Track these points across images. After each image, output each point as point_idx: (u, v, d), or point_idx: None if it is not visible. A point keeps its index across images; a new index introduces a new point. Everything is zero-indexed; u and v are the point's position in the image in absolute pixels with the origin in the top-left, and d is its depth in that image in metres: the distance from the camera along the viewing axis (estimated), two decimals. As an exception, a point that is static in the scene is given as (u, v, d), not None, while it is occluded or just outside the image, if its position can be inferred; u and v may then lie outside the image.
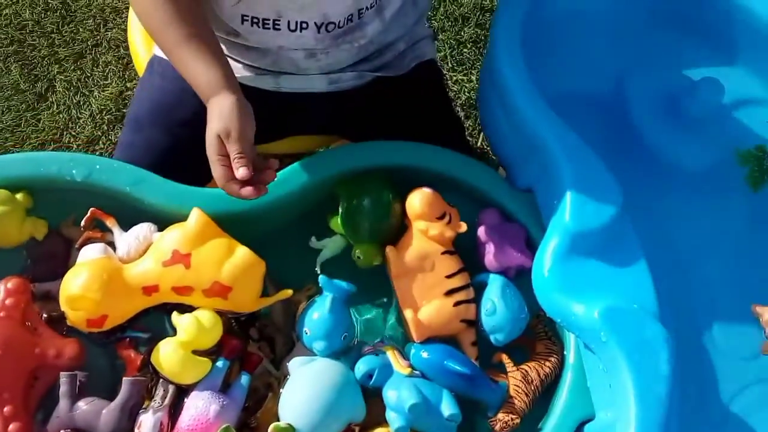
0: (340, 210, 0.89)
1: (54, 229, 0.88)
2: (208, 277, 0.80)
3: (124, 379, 0.78)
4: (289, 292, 0.85)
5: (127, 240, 0.85)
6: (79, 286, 0.78)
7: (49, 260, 0.87)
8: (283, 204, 0.89)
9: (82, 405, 0.78)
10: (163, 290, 0.81)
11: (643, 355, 0.75)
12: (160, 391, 0.80)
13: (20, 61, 1.59)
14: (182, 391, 0.81)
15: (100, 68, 1.57)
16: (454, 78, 1.63)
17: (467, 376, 0.82)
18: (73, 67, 1.56)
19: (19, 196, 0.86)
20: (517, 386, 0.84)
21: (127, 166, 0.88)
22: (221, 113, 0.77)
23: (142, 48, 1.14)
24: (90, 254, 0.82)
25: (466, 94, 1.61)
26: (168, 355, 0.78)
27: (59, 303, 0.81)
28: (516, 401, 0.84)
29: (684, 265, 0.89)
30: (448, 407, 0.80)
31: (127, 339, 0.85)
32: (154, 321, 0.86)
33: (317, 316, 0.83)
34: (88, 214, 0.86)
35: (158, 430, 0.77)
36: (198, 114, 0.81)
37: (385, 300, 0.92)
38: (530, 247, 0.90)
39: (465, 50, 1.66)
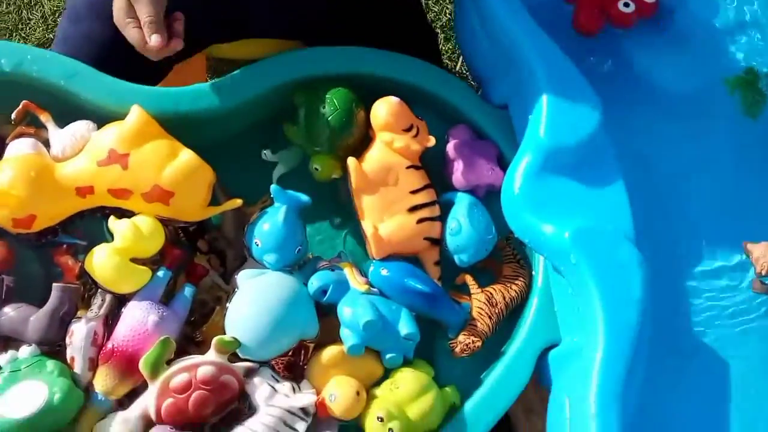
0: (299, 118, 0.82)
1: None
2: (147, 180, 0.73)
3: (54, 285, 0.72)
4: (239, 201, 0.78)
5: (62, 137, 0.77)
6: (2, 182, 0.71)
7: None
8: (236, 109, 0.82)
9: (8, 311, 0.72)
10: (98, 192, 0.74)
11: (614, 278, 0.70)
12: (97, 301, 0.74)
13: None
14: (121, 302, 0.75)
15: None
16: (435, -1, 1.54)
17: (428, 295, 0.77)
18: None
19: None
20: (481, 308, 0.80)
21: (61, 57, 0.79)
22: None
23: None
24: (19, 149, 0.75)
25: (447, 15, 1.53)
26: (102, 262, 0.72)
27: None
28: (478, 324, 0.79)
29: (664, 191, 0.84)
30: (405, 326, 0.75)
31: (64, 245, 0.78)
32: (92, 228, 0.79)
33: (268, 226, 0.76)
34: (20, 107, 0.78)
35: (91, 340, 0.71)
36: None
37: (341, 219, 0.87)
38: (501, 165, 0.85)
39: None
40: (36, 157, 0.74)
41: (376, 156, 0.81)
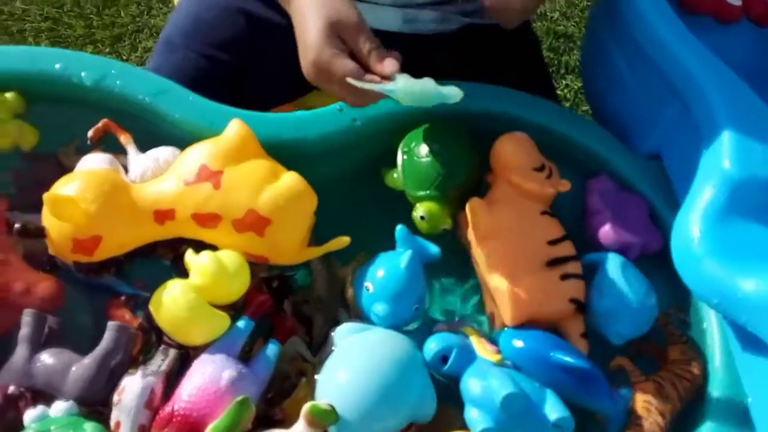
0: (403, 158, 0.69)
1: (51, 154, 0.69)
2: (241, 204, 0.60)
3: (109, 324, 0.57)
4: (346, 239, 0.64)
5: (143, 162, 0.65)
6: (70, 190, 0.59)
7: (37, 189, 0.67)
8: (341, 139, 0.70)
9: (46, 358, 0.56)
10: (180, 218, 0.60)
11: None
12: (157, 360, 0.59)
13: (52, 38, 1.45)
14: (186, 359, 0.59)
15: (138, 53, 1.42)
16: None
17: (582, 372, 0.59)
18: (108, 50, 1.42)
19: (8, 95, 0.67)
20: (648, 402, 0.60)
21: (149, 74, 0.70)
22: (322, 3, 0.59)
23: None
24: (92, 163, 0.63)
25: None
26: (173, 301, 0.57)
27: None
28: (647, 422, 0.60)
29: None
30: (554, 409, 0.56)
31: (122, 296, 0.64)
32: (158, 279, 0.65)
33: (386, 271, 0.61)
34: (99, 124, 0.67)
35: (146, 400, 0.54)
36: (240, 38, 0.64)
37: (454, 280, 0.71)
38: (655, 224, 0.69)
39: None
40: (112, 173, 0.62)
41: (502, 198, 0.66)
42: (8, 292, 0.59)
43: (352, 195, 0.73)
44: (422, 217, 0.67)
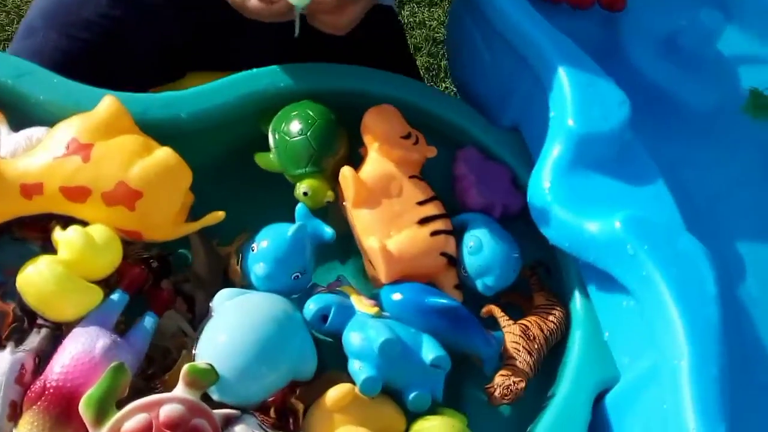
0: (273, 141, 0.71)
1: None
2: (111, 176, 0.59)
3: (-35, 301, 0.55)
4: (221, 214, 0.64)
5: (15, 140, 0.63)
6: None
7: None
8: (207, 120, 0.71)
9: None
10: (48, 192, 0.59)
11: (682, 269, 0.58)
12: (29, 341, 0.56)
13: None
14: (56, 343, 0.57)
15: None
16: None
17: (455, 312, 0.62)
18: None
19: None
20: (516, 343, 0.65)
21: (8, 57, 0.68)
22: None
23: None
24: None
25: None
26: (39, 275, 0.55)
27: None
28: (517, 361, 0.64)
29: (700, 213, 0.74)
30: (430, 350, 0.59)
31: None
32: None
33: (272, 236, 0.63)
34: None
35: (16, 375, 0.52)
36: (102, 15, 0.64)
37: (333, 251, 0.72)
38: (517, 189, 0.74)
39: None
40: (-29, 148, 0.60)
41: (372, 167, 0.69)
42: None
43: (230, 176, 0.73)
44: (305, 193, 0.68)
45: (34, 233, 0.63)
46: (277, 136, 0.71)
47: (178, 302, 0.66)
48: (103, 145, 0.60)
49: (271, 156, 0.71)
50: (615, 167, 0.66)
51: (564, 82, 0.68)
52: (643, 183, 0.66)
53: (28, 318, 0.58)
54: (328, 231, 0.66)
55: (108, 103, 0.62)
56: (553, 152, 0.66)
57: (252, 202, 0.73)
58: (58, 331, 0.58)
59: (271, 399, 0.58)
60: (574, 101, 0.67)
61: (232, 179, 0.73)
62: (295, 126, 0.70)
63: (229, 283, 0.67)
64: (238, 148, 0.74)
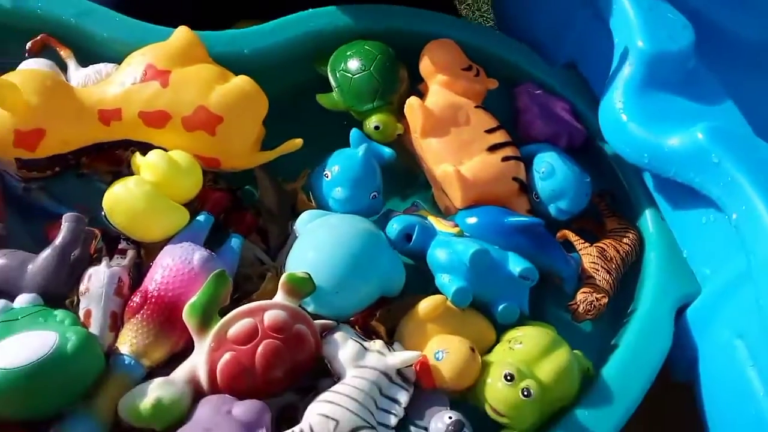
0: (335, 81, 0.71)
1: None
2: (191, 100, 0.59)
3: (65, 215, 0.54)
4: (298, 141, 0.64)
5: (85, 73, 0.64)
6: (15, 78, 0.56)
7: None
8: (269, 57, 0.71)
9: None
10: (126, 117, 0.59)
11: (766, 174, 0.58)
12: (116, 260, 0.56)
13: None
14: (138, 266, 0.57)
15: None
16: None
17: (536, 232, 0.62)
18: None
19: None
20: (595, 263, 0.65)
21: (69, -5, 0.68)
22: None
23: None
24: (33, 65, 0.61)
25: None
26: (128, 192, 0.55)
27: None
28: (597, 279, 0.64)
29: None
30: (518, 263, 0.59)
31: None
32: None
33: (343, 160, 0.63)
34: (38, 37, 0.65)
35: (115, 287, 0.52)
36: None
37: (402, 188, 0.73)
38: (578, 120, 0.75)
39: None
40: (53, 73, 0.60)
41: (437, 98, 0.69)
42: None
43: (288, 115, 0.73)
44: (376, 128, 0.69)
45: (104, 165, 0.63)
46: (338, 75, 0.71)
47: (253, 236, 0.66)
48: (180, 72, 0.60)
49: (334, 95, 0.72)
50: (684, 87, 0.67)
51: (627, 7, 0.69)
52: (714, 100, 0.66)
53: (111, 245, 0.58)
54: (387, 150, 0.66)
55: (182, 33, 0.63)
56: (624, 74, 0.66)
57: (309, 140, 0.73)
58: (139, 259, 0.58)
59: (353, 319, 0.58)
60: (641, 23, 0.67)
61: (289, 118, 0.73)
62: (357, 63, 0.70)
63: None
64: (294, 88, 0.75)
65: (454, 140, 0.67)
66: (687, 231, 0.66)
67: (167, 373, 0.50)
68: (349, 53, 0.71)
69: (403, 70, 0.73)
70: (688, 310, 0.64)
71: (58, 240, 0.52)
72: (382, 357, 0.53)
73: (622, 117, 0.65)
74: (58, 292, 0.52)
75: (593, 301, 0.62)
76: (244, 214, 0.62)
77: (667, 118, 0.64)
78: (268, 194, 0.68)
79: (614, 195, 0.73)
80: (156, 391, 0.47)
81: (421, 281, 0.62)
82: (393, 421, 0.51)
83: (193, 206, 0.60)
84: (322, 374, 0.54)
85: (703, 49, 0.77)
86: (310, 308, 0.55)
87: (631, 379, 0.59)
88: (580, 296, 0.62)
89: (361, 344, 0.53)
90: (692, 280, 0.64)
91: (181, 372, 0.50)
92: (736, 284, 0.59)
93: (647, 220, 0.69)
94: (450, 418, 0.51)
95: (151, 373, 0.51)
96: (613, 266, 0.65)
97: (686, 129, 0.62)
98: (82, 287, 0.52)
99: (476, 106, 0.70)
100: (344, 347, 0.53)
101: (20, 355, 0.44)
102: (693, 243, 0.65)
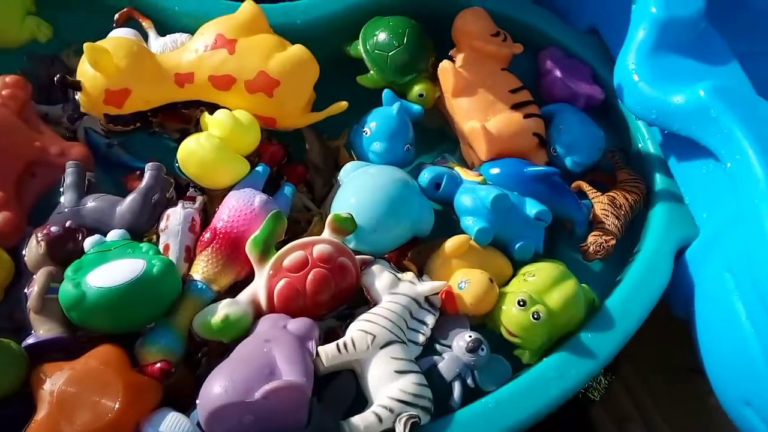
0: (371, 61, 0.77)
1: (54, 55, 0.76)
2: (253, 67, 0.68)
3: (147, 164, 0.64)
4: (344, 104, 0.73)
5: (163, 41, 0.73)
6: (106, 44, 0.66)
7: (48, 86, 0.74)
8: (318, 27, 0.79)
9: (92, 199, 0.63)
10: (198, 81, 0.68)
11: (763, 128, 0.65)
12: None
13: None
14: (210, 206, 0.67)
15: None
16: None
17: (552, 180, 0.70)
18: None
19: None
20: (605, 209, 0.72)
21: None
22: None
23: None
24: (121, 34, 0.71)
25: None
26: (200, 145, 0.64)
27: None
28: (606, 224, 0.72)
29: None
30: (533, 207, 0.67)
31: (138, 171, 0.71)
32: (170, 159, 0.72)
33: (380, 117, 0.71)
34: (124, 10, 0.75)
35: (189, 225, 0.62)
36: None
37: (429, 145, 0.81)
38: (597, 83, 0.82)
39: None
40: (139, 41, 0.70)
41: (467, 61, 0.77)
42: (46, 154, 0.65)
43: (331, 81, 0.82)
44: (421, 95, 0.77)
45: (175, 122, 0.73)
46: (374, 54, 0.78)
47: (300, 187, 0.76)
48: (245, 41, 0.69)
49: (374, 75, 0.78)
50: (694, 50, 0.73)
51: (642, -23, 0.75)
52: (720, 62, 0.73)
53: (180, 193, 0.68)
54: (416, 107, 0.74)
55: (248, 6, 0.71)
56: (637, 38, 0.73)
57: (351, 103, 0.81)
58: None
59: (387, 256, 0.67)
60: (655, -9, 0.73)
61: (332, 84, 0.82)
62: (388, 39, 0.77)
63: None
64: (336, 55, 0.83)
65: (481, 99, 0.75)
66: (689, 180, 0.73)
67: (233, 297, 0.60)
68: (376, 32, 0.78)
69: (429, 39, 0.80)
70: (687, 251, 0.71)
71: (143, 185, 0.63)
72: (412, 285, 0.62)
73: (633, 77, 0.72)
74: (142, 229, 0.62)
75: (603, 242, 0.70)
76: (296, 166, 0.71)
77: (675, 78, 0.71)
78: (315, 150, 0.77)
79: (627, 151, 0.80)
80: (224, 309, 0.57)
81: (448, 225, 0.70)
82: (421, 339, 0.60)
83: (253, 159, 0.69)
84: (359, 304, 0.63)
85: (717, 12, 0.83)
86: (352, 245, 0.64)
87: (631, 309, 0.66)
88: (590, 238, 0.70)
89: (395, 275, 0.62)
90: (692, 225, 0.72)
91: (244, 295, 0.60)
92: (728, 225, 0.66)
93: (655, 174, 0.76)
94: (470, 336, 0.60)
95: (219, 297, 0.61)
96: (622, 212, 0.73)
97: (690, 87, 0.68)
98: (161, 225, 0.62)
99: (502, 69, 0.78)
100: (380, 277, 0.62)
101: (115, 277, 0.54)
102: (694, 191, 0.72)
